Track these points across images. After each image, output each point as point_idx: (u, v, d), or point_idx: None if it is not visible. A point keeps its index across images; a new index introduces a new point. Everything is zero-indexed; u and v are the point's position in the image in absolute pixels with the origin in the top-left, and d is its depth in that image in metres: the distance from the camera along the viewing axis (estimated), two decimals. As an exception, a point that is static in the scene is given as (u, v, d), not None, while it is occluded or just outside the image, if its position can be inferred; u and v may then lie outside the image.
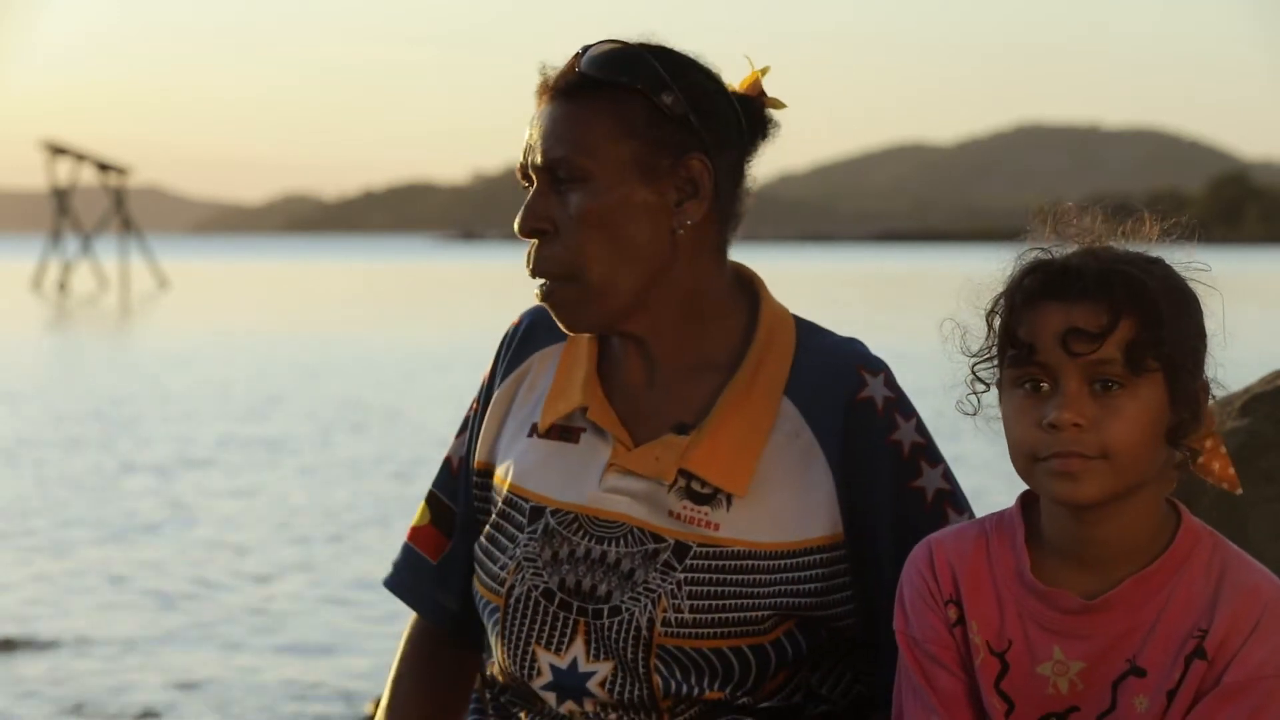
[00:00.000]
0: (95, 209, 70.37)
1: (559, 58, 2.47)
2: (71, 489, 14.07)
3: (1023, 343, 2.13)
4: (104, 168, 66.92)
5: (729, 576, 2.37)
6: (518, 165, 2.44)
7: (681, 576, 2.36)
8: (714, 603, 2.36)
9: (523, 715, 2.48)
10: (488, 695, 2.56)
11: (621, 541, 2.39)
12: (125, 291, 61.22)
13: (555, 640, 2.40)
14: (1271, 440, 3.10)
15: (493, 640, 2.49)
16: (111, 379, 24.89)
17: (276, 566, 10.96)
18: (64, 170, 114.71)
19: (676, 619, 2.36)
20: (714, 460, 2.38)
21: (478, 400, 2.62)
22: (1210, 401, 2.19)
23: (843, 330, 2.54)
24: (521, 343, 2.58)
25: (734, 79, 2.50)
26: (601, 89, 2.39)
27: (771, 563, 2.38)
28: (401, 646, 2.70)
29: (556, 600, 2.40)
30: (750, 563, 2.37)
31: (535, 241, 2.41)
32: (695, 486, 2.39)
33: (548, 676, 2.41)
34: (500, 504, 2.51)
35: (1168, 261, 2.19)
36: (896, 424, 2.41)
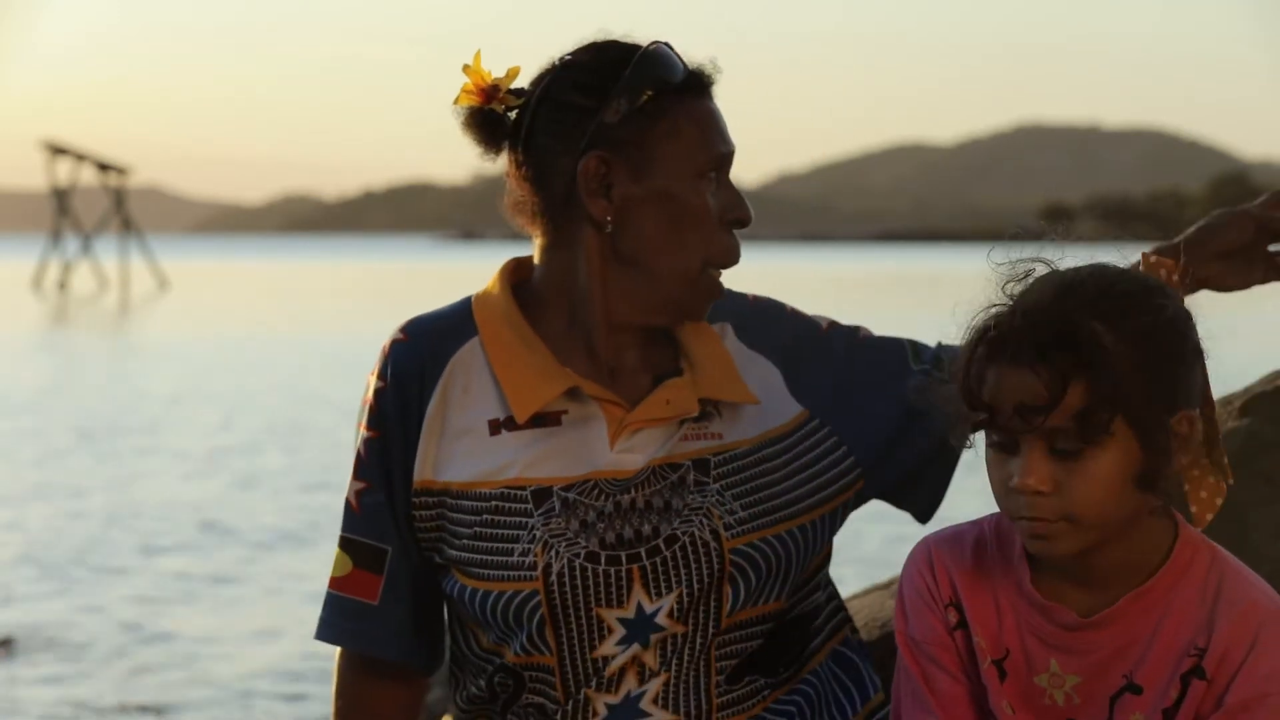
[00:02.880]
0: (95, 209, 70.30)
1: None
2: (70, 487, 14.09)
3: (983, 406, 2.09)
4: (104, 168, 66.84)
5: (754, 469, 2.51)
6: (715, 155, 2.47)
7: (716, 486, 2.48)
8: (758, 495, 2.50)
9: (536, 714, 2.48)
10: (491, 708, 2.53)
11: (643, 486, 2.47)
12: (125, 291, 61.24)
13: (614, 596, 2.43)
14: (1271, 440, 3.08)
15: (523, 629, 2.45)
16: (110, 378, 24.91)
17: (278, 567, 10.98)
18: (64, 170, 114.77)
19: (735, 519, 2.47)
20: (720, 383, 2.53)
21: (374, 429, 2.55)
22: (1192, 424, 2.10)
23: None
24: (429, 355, 2.54)
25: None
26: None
27: (776, 448, 2.54)
28: (341, 682, 2.62)
29: (603, 559, 2.44)
30: (762, 453, 2.53)
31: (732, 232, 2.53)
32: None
33: (620, 632, 2.44)
34: (486, 503, 2.47)
35: (1153, 288, 2.10)
36: (781, 303, 2.66)
